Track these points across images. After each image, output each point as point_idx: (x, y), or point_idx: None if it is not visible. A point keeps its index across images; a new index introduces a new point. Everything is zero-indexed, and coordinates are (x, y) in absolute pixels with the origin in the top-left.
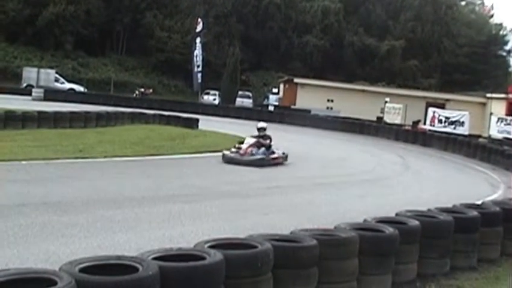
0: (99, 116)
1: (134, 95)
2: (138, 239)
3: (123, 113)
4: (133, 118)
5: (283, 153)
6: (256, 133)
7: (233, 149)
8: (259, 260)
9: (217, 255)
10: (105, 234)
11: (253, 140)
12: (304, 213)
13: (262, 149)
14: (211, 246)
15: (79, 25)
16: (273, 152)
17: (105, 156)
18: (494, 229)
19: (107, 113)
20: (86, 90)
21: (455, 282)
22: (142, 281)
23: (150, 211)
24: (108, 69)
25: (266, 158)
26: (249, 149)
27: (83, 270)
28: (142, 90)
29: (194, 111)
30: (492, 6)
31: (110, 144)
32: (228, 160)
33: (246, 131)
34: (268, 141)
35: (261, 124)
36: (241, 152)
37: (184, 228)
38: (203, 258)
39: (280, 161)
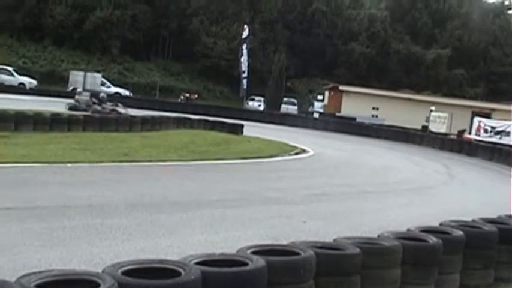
0: (144, 120)
1: (179, 100)
2: (181, 243)
3: (168, 117)
4: (178, 123)
5: None
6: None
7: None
8: (302, 267)
9: (259, 261)
10: (148, 237)
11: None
12: (347, 221)
13: None
14: (253, 252)
15: (125, 30)
16: None
17: (149, 160)
18: None
19: (152, 117)
20: (131, 94)
21: None
22: (185, 285)
23: (193, 216)
24: (154, 74)
25: None
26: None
27: (125, 273)
28: (188, 95)
29: (239, 117)
30: None
31: (154, 148)
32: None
33: (291, 137)
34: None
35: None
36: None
37: (227, 233)
38: (246, 264)
39: None
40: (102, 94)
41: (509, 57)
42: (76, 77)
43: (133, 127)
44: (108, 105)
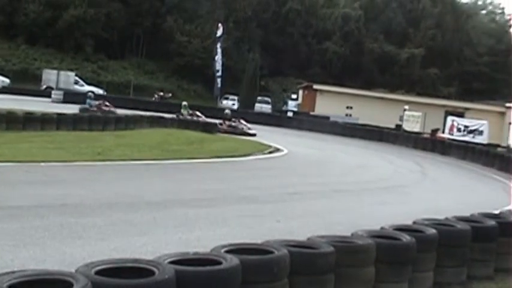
0: (118, 119)
1: (153, 98)
2: (155, 242)
3: (142, 116)
4: (152, 122)
5: None
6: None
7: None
8: (276, 266)
9: (233, 260)
10: (122, 237)
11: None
12: (321, 220)
13: None
14: (227, 251)
15: (99, 28)
16: None
17: (123, 160)
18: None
19: (126, 116)
20: (105, 93)
21: None
22: (159, 285)
23: (167, 215)
24: (128, 73)
25: None
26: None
27: (99, 273)
28: (162, 94)
29: (213, 116)
30: None
31: (128, 147)
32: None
33: (264, 136)
34: None
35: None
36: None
37: (201, 232)
38: (219, 263)
39: None
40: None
41: (482, 57)
42: (49, 76)
43: (107, 126)
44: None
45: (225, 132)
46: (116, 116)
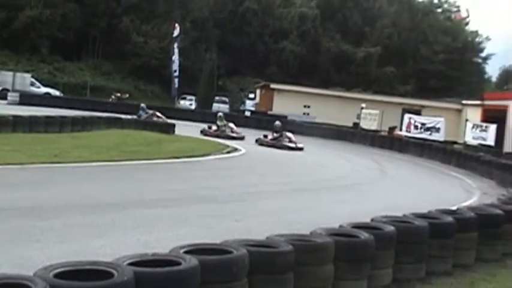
0: (74, 120)
1: (110, 99)
2: (114, 244)
3: (99, 117)
4: (109, 123)
5: None
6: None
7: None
8: (235, 266)
9: (192, 261)
10: (80, 239)
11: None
12: (280, 219)
13: None
14: (186, 252)
15: (55, 29)
16: None
17: (80, 161)
18: (469, 235)
19: (83, 117)
20: (62, 94)
21: (430, 287)
22: (117, 287)
23: (125, 216)
24: (84, 74)
25: None
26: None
27: (57, 276)
28: (119, 95)
29: (170, 117)
30: (468, 14)
31: (85, 149)
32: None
33: None
34: None
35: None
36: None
37: (160, 233)
38: (178, 264)
39: None
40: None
41: (438, 55)
42: (5, 77)
43: (63, 128)
44: None
45: (267, 145)
46: (72, 117)
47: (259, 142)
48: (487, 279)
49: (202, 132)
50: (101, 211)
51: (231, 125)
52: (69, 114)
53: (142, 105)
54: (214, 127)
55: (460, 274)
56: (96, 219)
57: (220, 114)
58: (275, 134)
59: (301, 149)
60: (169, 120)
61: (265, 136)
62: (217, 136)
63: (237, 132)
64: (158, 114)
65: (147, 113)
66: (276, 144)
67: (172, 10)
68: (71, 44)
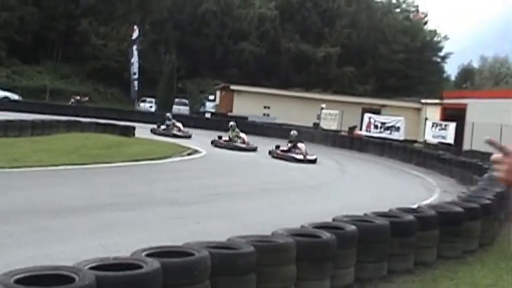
0: (34, 124)
1: (70, 102)
2: (75, 248)
3: (58, 121)
4: (69, 126)
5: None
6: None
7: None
8: (196, 268)
9: (154, 264)
10: (40, 244)
11: (304, 145)
12: (242, 220)
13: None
14: (148, 255)
15: (13, 32)
16: None
17: (40, 166)
18: (430, 232)
19: (42, 121)
20: (20, 98)
21: (392, 285)
22: None
23: (86, 220)
24: (43, 77)
25: None
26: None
27: (18, 282)
28: (78, 98)
29: (130, 119)
30: (426, 13)
31: (45, 153)
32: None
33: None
34: None
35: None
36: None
37: (121, 237)
38: (140, 267)
39: None
40: None
41: (397, 54)
42: None
43: (23, 132)
44: None
45: (278, 157)
46: (31, 121)
47: (271, 155)
48: (449, 276)
49: (213, 143)
50: (61, 215)
51: (242, 135)
52: (29, 118)
53: (168, 114)
54: (225, 137)
55: (422, 272)
56: (56, 224)
57: (232, 123)
58: (289, 145)
59: (313, 161)
60: (128, 123)
61: (277, 147)
62: (225, 147)
63: (247, 143)
64: (178, 124)
65: (170, 120)
66: (286, 157)
67: (130, 12)
68: (29, 47)
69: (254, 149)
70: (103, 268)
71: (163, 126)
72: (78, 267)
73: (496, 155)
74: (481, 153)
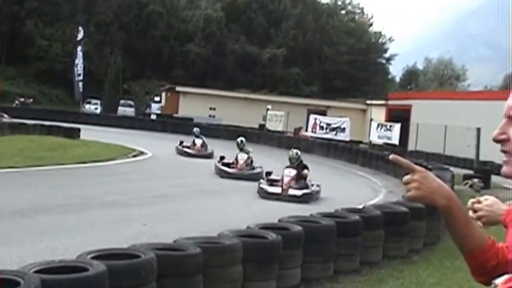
0: None
1: (14, 104)
2: (20, 251)
3: (3, 123)
4: (14, 129)
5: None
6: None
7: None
8: (143, 270)
9: (100, 266)
10: None
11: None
12: (188, 221)
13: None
14: (94, 257)
15: None
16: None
17: None
18: (375, 232)
19: None
20: None
21: (338, 285)
22: None
23: (31, 223)
24: None
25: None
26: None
27: None
28: (23, 100)
29: (76, 121)
30: (371, 16)
31: None
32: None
33: (129, 140)
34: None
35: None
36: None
37: (67, 239)
38: (86, 270)
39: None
40: None
41: (343, 55)
42: None
43: None
44: None
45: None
46: None
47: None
48: (395, 276)
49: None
50: (6, 218)
51: (242, 156)
52: None
53: (196, 129)
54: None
55: (368, 271)
56: (1, 226)
57: (241, 139)
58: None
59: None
60: (73, 125)
61: (181, 143)
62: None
63: (253, 167)
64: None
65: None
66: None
67: (75, 13)
68: None
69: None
70: (48, 271)
71: (188, 144)
72: (23, 270)
73: (406, 177)
74: (426, 153)
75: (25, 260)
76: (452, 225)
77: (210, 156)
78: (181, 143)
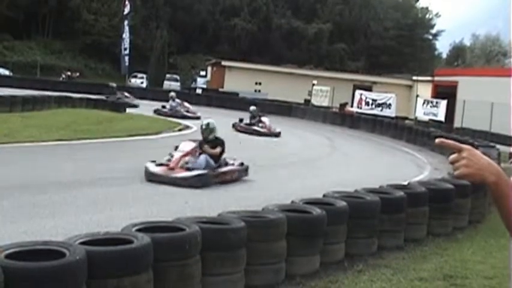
0: (25, 100)
1: (61, 78)
2: (65, 223)
3: (49, 97)
4: (60, 102)
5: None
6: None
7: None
8: (187, 243)
9: (144, 239)
10: (31, 219)
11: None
12: (232, 196)
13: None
14: (138, 230)
15: (4, 7)
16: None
17: (31, 141)
18: (420, 209)
19: (33, 97)
20: (11, 73)
21: (382, 261)
22: (69, 266)
23: (77, 195)
24: (34, 53)
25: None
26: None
27: (9, 257)
28: (69, 73)
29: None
30: None
31: (36, 128)
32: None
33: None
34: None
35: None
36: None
37: (112, 212)
38: (131, 242)
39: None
40: None
41: (389, 31)
42: None
43: (13, 107)
44: None
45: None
46: (22, 97)
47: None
48: (439, 253)
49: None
50: (52, 191)
51: (264, 119)
52: (20, 94)
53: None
54: (246, 121)
55: (412, 248)
56: (47, 199)
57: (252, 108)
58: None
59: (277, 135)
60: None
61: (241, 120)
62: (245, 132)
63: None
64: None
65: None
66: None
67: None
68: (20, 22)
69: (277, 135)
70: (93, 243)
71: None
72: (68, 242)
73: (453, 156)
74: (472, 130)
75: (70, 232)
76: (501, 202)
77: (278, 135)
78: (241, 120)
